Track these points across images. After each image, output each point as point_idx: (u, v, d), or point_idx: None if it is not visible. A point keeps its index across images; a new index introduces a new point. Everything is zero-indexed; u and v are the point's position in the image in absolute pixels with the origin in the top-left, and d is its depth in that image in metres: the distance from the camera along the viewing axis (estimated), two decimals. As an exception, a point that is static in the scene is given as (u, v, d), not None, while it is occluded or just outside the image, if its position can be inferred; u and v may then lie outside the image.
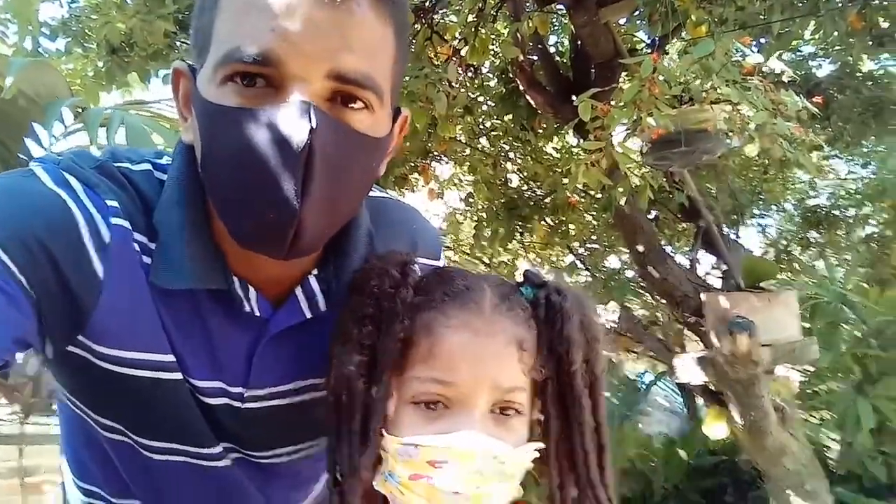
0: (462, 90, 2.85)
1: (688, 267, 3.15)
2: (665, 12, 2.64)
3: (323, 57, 0.55)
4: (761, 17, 2.81)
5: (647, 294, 3.66)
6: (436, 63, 2.62)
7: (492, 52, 2.74)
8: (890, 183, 4.09)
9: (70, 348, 0.63)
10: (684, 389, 4.17)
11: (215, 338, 0.67)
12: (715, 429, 2.62)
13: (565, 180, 3.10)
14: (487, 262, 3.92)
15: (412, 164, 3.09)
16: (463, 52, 2.61)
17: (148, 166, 0.69)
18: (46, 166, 0.64)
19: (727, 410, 2.52)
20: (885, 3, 2.69)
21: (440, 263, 0.84)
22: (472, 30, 2.51)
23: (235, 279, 0.66)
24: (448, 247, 3.97)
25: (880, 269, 3.91)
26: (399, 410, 0.62)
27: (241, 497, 0.76)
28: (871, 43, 2.88)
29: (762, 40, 2.91)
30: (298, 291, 0.69)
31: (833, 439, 3.22)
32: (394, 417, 0.62)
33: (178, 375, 0.66)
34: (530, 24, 2.48)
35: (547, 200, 3.32)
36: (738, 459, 3.43)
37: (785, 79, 2.66)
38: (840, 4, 2.67)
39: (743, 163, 3.81)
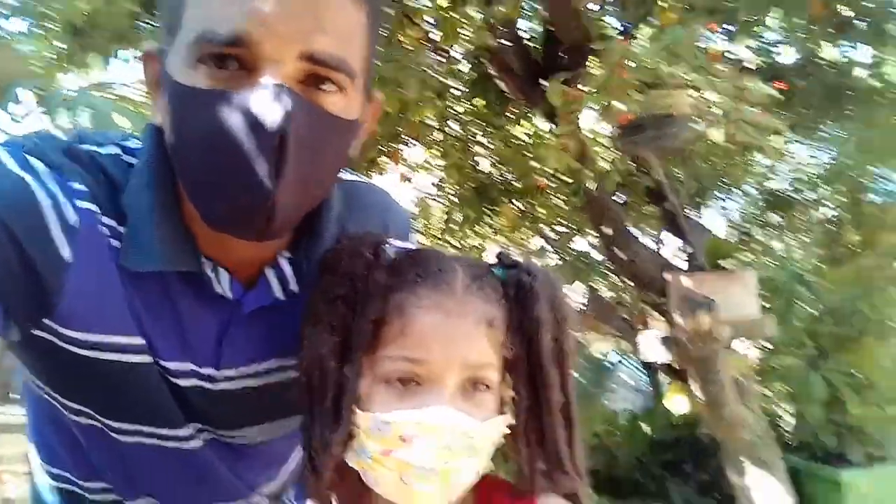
0: (433, 74, 2.84)
1: (653, 249, 3.22)
2: (636, -2, 2.68)
3: (296, 38, 0.56)
4: (728, 3, 2.86)
5: (613, 275, 3.73)
6: (407, 47, 2.61)
7: (463, 37, 2.73)
8: (846, 167, 4.23)
9: (36, 332, 0.62)
10: (648, 367, 4.28)
11: (185, 319, 0.68)
12: (676, 403, 2.71)
13: (535, 164, 3.13)
14: (458, 245, 3.94)
15: (382, 148, 3.08)
16: (434, 36, 2.60)
17: (116, 149, 0.68)
18: (10, 149, 0.63)
19: (688, 386, 2.61)
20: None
21: (411, 245, 0.86)
22: (443, 14, 2.51)
23: (206, 261, 0.66)
24: (418, 231, 3.98)
25: (834, 250, 4.04)
26: (371, 388, 0.64)
27: (212, 478, 0.77)
28: (832, 30, 2.95)
29: (728, 27, 2.96)
30: (269, 273, 0.69)
31: (787, 411, 3.35)
32: (365, 395, 0.64)
33: (148, 358, 0.66)
34: (501, 9, 2.49)
35: (517, 184, 3.34)
36: (698, 432, 3.55)
37: (749, 65, 2.73)
38: (803, -9, 2.74)
39: (707, 147, 3.88)
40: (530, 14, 3.17)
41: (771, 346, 3.25)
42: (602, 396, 4.32)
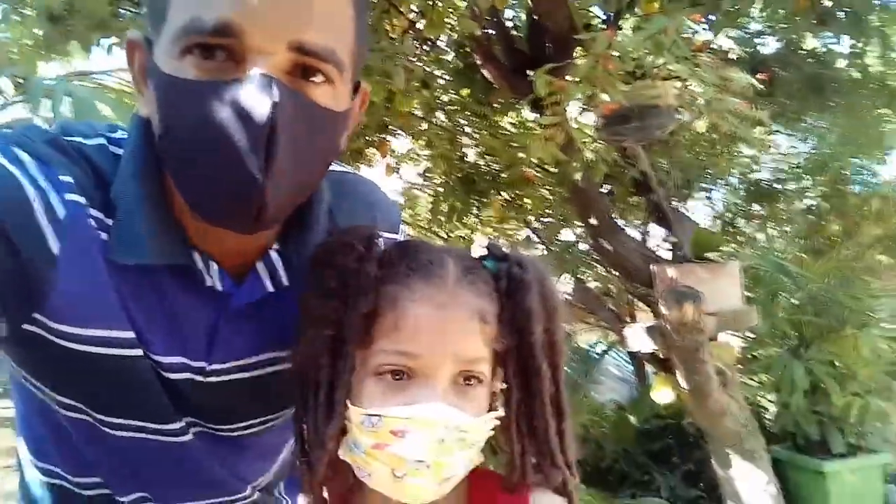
0: (419, 64, 2.82)
1: (639, 239, 3.24)
2: (620, -13, 2.67)
3: (284, 28, 0.55)
4: (711, -8, 2.86)
5: (599, 266, 3.75)
6: (392, 36, 2.59)
7: (448, 26, 2.72)
8: (828, 158, 4.28)
9: (26, 326, 0.62)
10: (634, 358, 4.32)
11: (176, 313, 0.67)
12: (662, 394, 2.74)
13: (521, 155, 3.12)
14: (445, 236, 3.94)
15: (369, 139, 3.06)
16: (420, 26, 2.58)
17: (102, 140, 0.67)
18: None
19: (673, 376, 2.64)
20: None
21: (399, 237, 0.86)
22: (429, 3, 2.49)
23: (196, 254, 0.65)
24: (405, 221, 3.97)
25: (816, 241, 4.10)
26: (363, 382, 0.64)
27: (203, 471, 0.77)
28: (814, 21, 2.96)
29: (711, 17, 2.97)
30: (260, 266, 0.69)
31: (770, 401, 3.40)
32: (358, 389, 0.64)
33: (139, 352, 0.65)
34: (486, -2, 2.47)
35: (503, 175, 3.34)
36: (683, 422, 3.59)
37: (732, 56, 2.74)
38: (786, -18, 2.75)
39: (692, 138, 3.91)
40: (516, 3, 3.15)
41: (754, 336, 3.29)
42: (589, 387, 4.36)
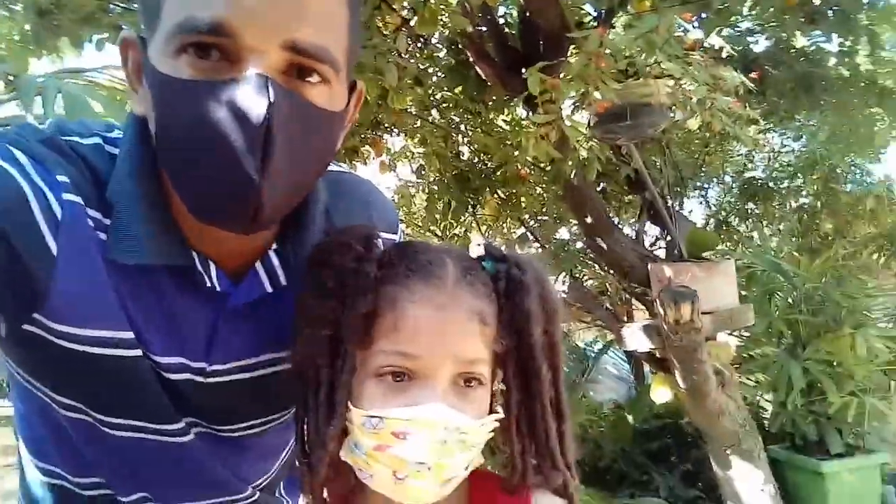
0: (412, 61, 2.81)
1: (634, 238, 3.24)
2: (612, -15, 2.67)
3: (279, 28, 0.55)
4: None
5: (595, 265, 3.76)
6: (385, 33, 2.58)
7: (441, 23, 2.71)
8: (820, 156, 4.30)
9: (26, 327, 0.61)
10: (631, 357, 4.33)
11: (175, 313, 0.67)
12: (660, 394, 2.74)
13: (516, 153, 3.12)
14: (440, 234, 3.93)
15: (363, 136, 3.05)
16: (412, 23, 2.57)
17: (98, 140, 0.67)
18: None
19: (671, 376, 2.64)
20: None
21: (397, 237, 0.85)
22: (421, 0, 2.47)
23: (195, 254, 0.65)
24: (400, 219, 3.97)
25: (810, 239, 4.12)
26: (363, 383, 0.63)
27: (204, 471, 0.77)
28: (803, 19, 2.98)
29: (703, 15, 2.98)
30: (258, 266, 0.69)
31: (767, 400, 3.40)
32: (358, 390, 0.63)
33: (138, 352, 0.65)
34: (479, -6, 2.46)
35: (498, 173, 3.34)
36: (680, 422, 3.59)
37: (724, 54, 2.75)
38: (776, -19, 2.77)
39: (686, 136, 3.92)
40: (508, 0, 3.15)
41: (749, 336, 3.30)
42: (586, 387, 4.37)
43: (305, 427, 0.66)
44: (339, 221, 0.74)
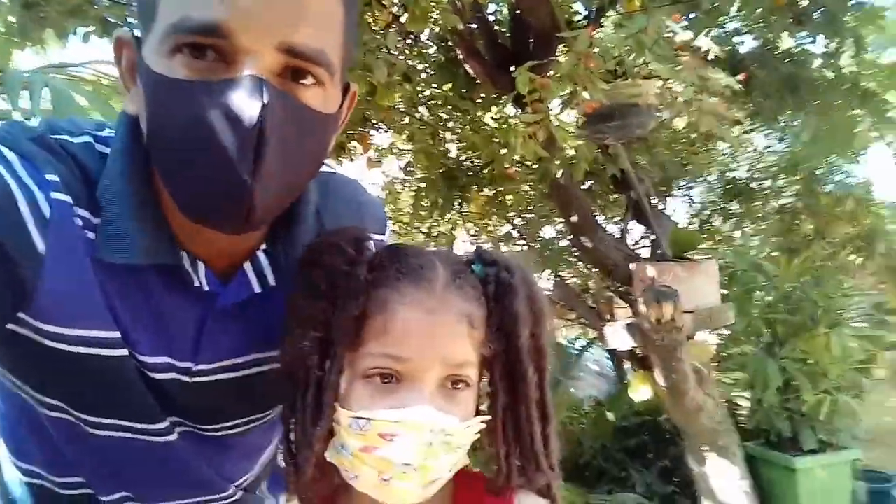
0: (401, 58, 2.81)
1: (618, 237, 3.27)
2: (602, -16, 2.69)
3: (275, 30, 0.55)
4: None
5: (579, 263, 3.79)
6: (375, 30, 2.57)
7: (431, 20, 2.71)
8: (802, 157, 4.36)
9: (11, 326, 0.61)
10: (613, 354, 4.36)
11: (162, 313, 0.67)
12: (640, 392, 2.77)
13: (503, 151, 3.13)
14: (426, 231, 3.93)
15: (350, 132, 3.04)
16: (402, 19, 2.57)
17: (88, 139, 0.66)
18: None
19: (651, 374, 2.68)
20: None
21: (386, 237, 0.86)
22: (412, -4, 2.47)
23: (184, 253, 0.65)
24: (387, 216, 3.96)
25: (791, 239, 4.18)
26: (352, 385, 0.64)
27: (188, 471, 0.77)
28: (790, 21, 3.01)
29: (691, 15, 3.00)
30: (247, 266, 0.69)
31: (744, 397, 3.46)
32: (346, 391, 0.64)
33: (124, 352, 0.65)
34: (470, -8, 2.47)
35: (485, 171, 3.35)
36: (659, 419, 3.64)
37: (711, 56, 2.77)
38: (764, -18, 2.79)
39: (671, 135, 3.95)
40: (498, -1, 3.15)
41: (729, 334, 3.35)
42: (568, 383, 4.40)
43: (292, 427, 0.67)
44: (329, 222, 0.75)
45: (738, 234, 4.63)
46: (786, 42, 3.36)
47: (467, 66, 3.09)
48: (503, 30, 3.18)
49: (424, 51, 3.14)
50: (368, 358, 0.63)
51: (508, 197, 3.59)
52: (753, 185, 4.56)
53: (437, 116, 3.37)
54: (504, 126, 3.23)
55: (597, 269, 3.31)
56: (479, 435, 0.66)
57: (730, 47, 3.34)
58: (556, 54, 2.74)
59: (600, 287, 3.60)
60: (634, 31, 2.16)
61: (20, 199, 0.58)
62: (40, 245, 0.59)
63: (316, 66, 0.58)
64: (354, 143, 3.20)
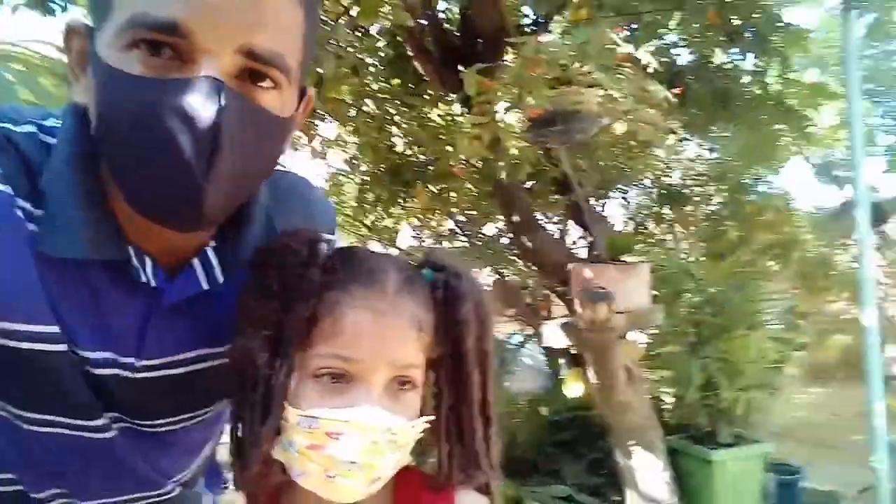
0: (350, 50, 2.79)
1: (557, 237, 3.36)
2: (549, -10, 2.75)
3: (235, 32, 0.55)
4: (634, 3, 3.00)
5: (519, 261, 3.86)
6: (325, 20, 2.54)
7: (382, 15, 2.70)
8: (730, 167, 4.58)
9: None
10: (548, 351, 4.47)
11: (106, 308, 0.66)
12: (574, 388, 2.87)
13: (449, 148, 3.16)
14: (369, 225, 3.91)
15: (296, 123, 2.98)
16: (353, 13, 2.55)
17: (33, 128, 0.65)
18: None
19: (584, 371, 2.78)
20: (739, 2, 2.96)
21: (335, 237, 0.87)
22: (364, -11, 2.46)
23: (130, 248, 0.64)
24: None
25: (717, 244, 4.39)
26: (301, 384, 0.65)
27: (125, 467, 0.76)
28: (723, 38, 3.16)
29: (633, 26, 3.11)
30: (196, 262, 0.68)
31: (668, 394, 3.63)
32: (295, 390, 0.65)
33: (63, 347, 0.64)
34: (420, -11, 2.47)
35: (430, 167, 3.36)
36: (589, 414, 3.77)
37: (650, 69, 2.88)
38: (702, 0, 2.93)
39: (611, 141, 4.07)
40: (448, -2, 3.17)
41: (657, 334, 3.50)
42: (504, 378, 4.48)
43: (240, 426, 0.67)
44: (280, 220, 0.75)
45: (669, 237, 4.81)
46: (719, 57, 3.52)
47: (416, 63, 3.10)
48: (453, 29, 3.20)
49: (374, 45, 3.12)
50: (318, 358, 0.64)
51: (452, 194, 3.62)
52: (686, 191, 4.76)
53: (384, 111, 3.35)
54: (450, 124, 3.25)
55: (536, 268, 3.39)
56: (422, 434, 0.68)
57: (668, 59, 3.48)
58: (504, 57, 2.78)
59: (538, 285, 3.69)
60: (580, 42, 2.23)
61: None
62: None
63: (274, 70, 0.58)
64: (299, 133, 3.15)
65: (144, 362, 0.69)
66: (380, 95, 3.35)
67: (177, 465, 0.83)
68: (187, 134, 0.54)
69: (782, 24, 3.14)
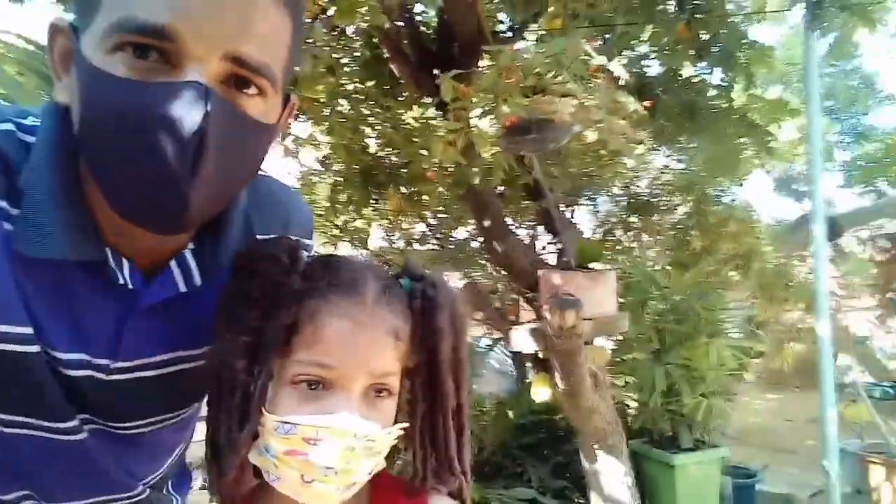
0: (326, 49, 2.77)
1: (527, 243, 3.39)
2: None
3: (222, 39, 0.56)
4: (608, 15, 3.06)
5: (489, 266, 3.89)
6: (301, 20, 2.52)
7: (359, 16, 2.69)
8: (696, 178, 4.70)
9: None
10: (516, 355, 4.52)
11: (82, 309, 0.66)
12: (540, 393, 2.91)
13: (422, 151, 3.17)
14: (341, 226, 3.89)
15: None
16: (330, 13, 2.54)
17: (11, 126, 0.64)
18: None
19: (551, 375, 2.82)
20: (707, 18, 3.05)
21: (313, 241, 0.87)
22: (341, -10, 2.45)
23: (108, 249, 0.64)
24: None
25: (682, 253, 4.49)
26: (279, 390, 0.65)
27: (95, 469, 0.75)
28: (692, 53, 3.25)
29: (607, 36, 3.17)
30: (173, 265, 0.68)
31: (633, 399, 3.71)
32: (273, 396, 0.66)
33: (35, 348, 0.63)
34: (398, -8, 2.48)
35: (403, 170, 3.36)
36: (555, 418, 3.82)
37: (622, 81, 2.94)
38: (672, 15, 3.01)
39: (582, 149, 4.14)
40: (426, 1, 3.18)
41: (623, 340, 3.58)
42: (472, 381, 4.50)
43: (217, 430, 0.67)
44: (258, 224, 0.75)
45: (636, 245, 4.91)
46: (687, 70, 3.61)
47: (392, 65, 3.10)
48: (430, 32, 3.21)
49: (350, 45, 3.11)
50: (297, 365, 0.64)
51: (424, 197, 3.63)
52: (653, 200, 4.86)
53: (358, 111, 3.34)
54: (424, 127, 3.26)
55: (505, 273, 3.42)
56: (397, 440, 0.70)
57: (638, 71, 3.55)
58: (480, 64, 2.81)
59: (507, 290, 3.72)
60: (555, 52, 2.26)
61: None
62: None
63: (260, 78, 0.59)
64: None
65: (119, 364, 0.69)
66: (354, 96, 3.34)
67: (148, 468, 0.82)
68: (172, 138, 0.54)
69: (747, 41, 3.25)
